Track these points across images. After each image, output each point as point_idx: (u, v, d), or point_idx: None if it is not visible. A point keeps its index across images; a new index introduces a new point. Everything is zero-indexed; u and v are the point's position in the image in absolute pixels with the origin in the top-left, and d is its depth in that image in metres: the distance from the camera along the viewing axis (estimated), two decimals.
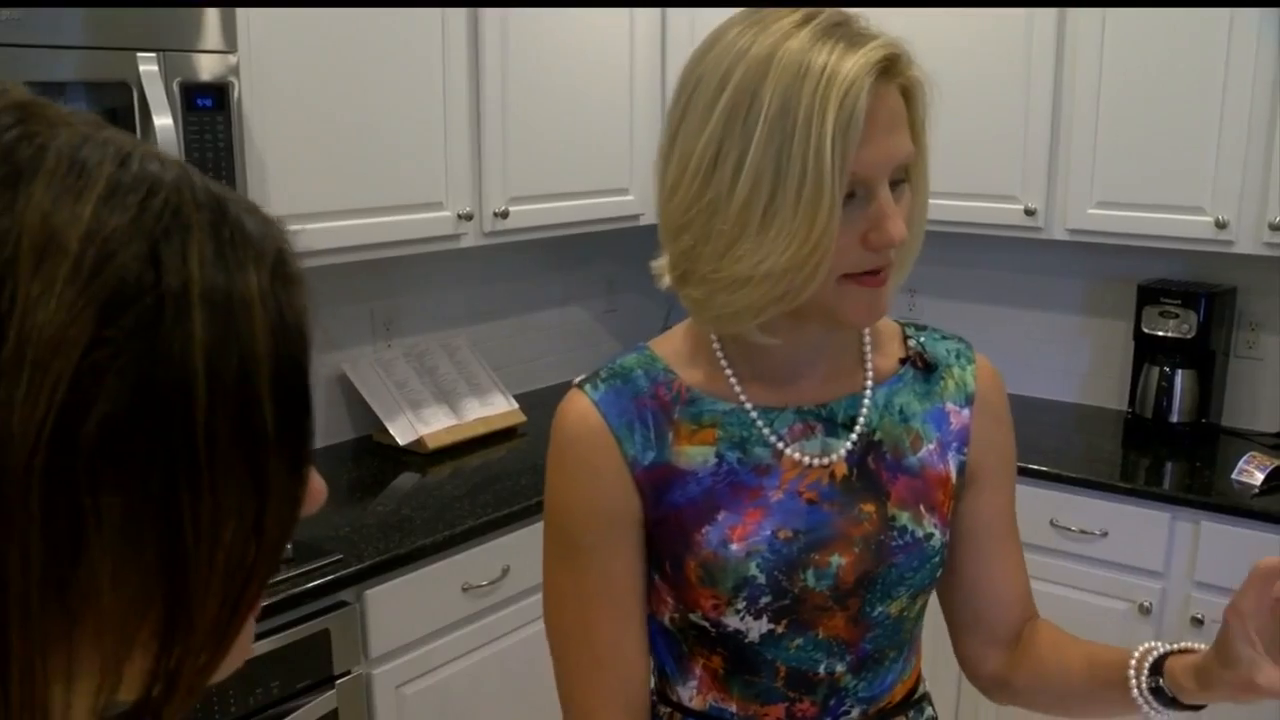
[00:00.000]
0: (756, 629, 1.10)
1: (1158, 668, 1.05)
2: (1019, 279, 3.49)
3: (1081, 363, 3.44)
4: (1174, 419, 3.06)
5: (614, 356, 1.16)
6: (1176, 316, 3.02)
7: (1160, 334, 3.05)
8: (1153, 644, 1.07)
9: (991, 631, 1.23)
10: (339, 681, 2.18)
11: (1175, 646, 1.06)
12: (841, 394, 1.15)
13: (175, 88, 2.08)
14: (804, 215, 0.95)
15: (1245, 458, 2.78)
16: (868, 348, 1.17)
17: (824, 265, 0.97)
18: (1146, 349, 3.12)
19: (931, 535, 1.13)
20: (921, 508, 1.13)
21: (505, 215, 2.82)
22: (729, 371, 1.13)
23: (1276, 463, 2.75)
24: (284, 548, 0.54)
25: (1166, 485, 2.84)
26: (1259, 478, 2.71)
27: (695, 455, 1.10)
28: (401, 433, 2.87)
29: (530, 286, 3.49)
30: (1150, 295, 3.07)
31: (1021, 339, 3.49)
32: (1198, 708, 1.06)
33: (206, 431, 0.48)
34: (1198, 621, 2.66)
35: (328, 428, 2.94)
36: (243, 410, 0.49)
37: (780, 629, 1.10)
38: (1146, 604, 2.73)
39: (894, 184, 1.01)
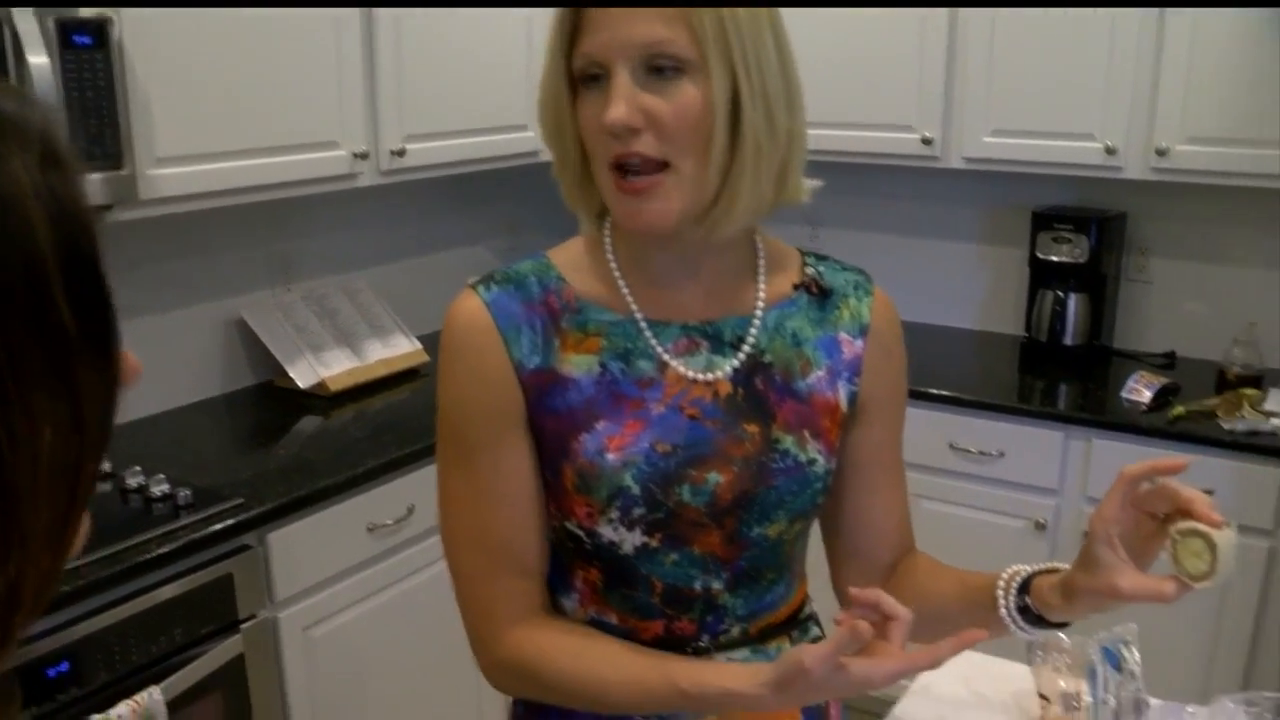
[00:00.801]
0: (630, 541, 1.10)
1: (1025, 587, 1.08)
2: (917, 209, 3.54)
3: (979, 289, 3.51)
4: (1068, 342, 3.15)
5: (511, 261, 1.17)
6: (1069, 242, 3.09)
7: (1054, 259, 3.12)
8: (1020, 566, 1.10)
9: (869, 562, 1.25)
10: (244, 626, 2.16)
11: (1041, 567, 1.09)
12: (730, 313, 1.15)
13: (51, 25, 2.00)
14: (543, 91, 1.08)
15: (1134, 377, 2.87)
16: (761, 269, 1.17)
17: (566, 139, 1.08)
18: (1041, 274, 3.19)
19: (815, 461, 1.14)
20: (806, 433, 1.14)
21: (402, 154, 2.78)
22: (622, 282, 1.13)
23: (1164, 381, 2.84)
24: (108, 437, 0.52)
25: (1061, 406, 2.93)
26: (1147, 395, 2.80)
27: (579, 364, 1.10)
28: (302, 376, 2.84)
29: (431, 226, 3.46)
30: (1044, 221, 3.14)
31: (921, 268, 3.55)
32: (1063, 625, 1.09)
33: (2, 341, 0.45)
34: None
35: (226, 374, 2.89)
36: (37, 312, 0.46)
37: (655, 543, 1.11)
38: (1042, 520, 2.81)
39: (660, 69, 1.00)
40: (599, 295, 1.13)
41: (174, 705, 1.98)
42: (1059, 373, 3.13)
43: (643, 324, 1.12)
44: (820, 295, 1.19)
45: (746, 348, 1.14)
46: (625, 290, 1.13)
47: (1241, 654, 2.69)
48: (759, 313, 1.15)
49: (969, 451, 2.90)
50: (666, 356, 1.12)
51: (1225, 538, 0.94)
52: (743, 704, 1.03)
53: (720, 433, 1.11)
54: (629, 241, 1.14)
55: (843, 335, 1.18)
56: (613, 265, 1.14)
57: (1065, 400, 2.98)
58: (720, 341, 1.14)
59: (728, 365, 1.13)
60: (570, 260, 1.16)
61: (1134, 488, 1.00)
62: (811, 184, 1.12)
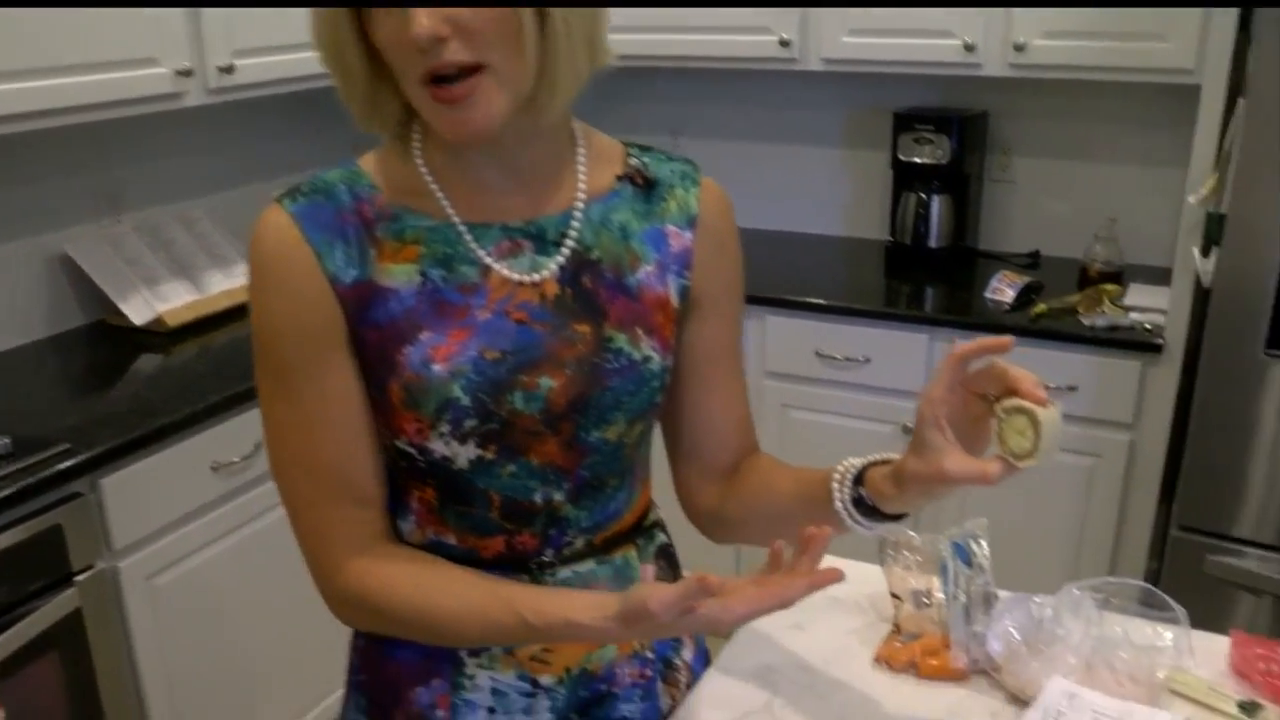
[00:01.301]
0: (464, 455, 1.07)
1: (860, 479, 1.06)
2: (779, 114, 3.52)
3: (843, 195, 3.51)
4: (932, 244, 3.17)
5: (318, 171, 1.10)
6: (931, 143, 3.10)
7: (916, 161, 3.13)
8: (854, 459, 1.08)
9: (708, 463, 1.23)
10: (78, 578, 2.06)
11: (876, 458, 1.07)
12: (552, 210, 1.11)
13: None
14: (317, 14, 1.01)
15: (997, 276, 2.91)
16: (581, 162, 1.13)
17: (350, 59, 1.00)
18: (904, 177, 3.20)
19: (650, 358, 1.12)
20: (639, 330, 1.11)
21: (231, 70, 2.64)
22: (434, 186, 1.08)
23: (1027, 280, 2.88)
24: None
25: (927, 309, 2.95)
26: (1010, 295, 2.83)
27: (399, 273, 1.06)
28: (137, 313, 2.71)
29: (272, 149, 3.32)
30: (905, 123, 3.13)
31: (785, 174, 3.54)
32: (900, 517, 1.07)
33: None
34: None
35: (52, 314, 2.74)
36: None
37: (490, 455, 1.08)
38: (909, 424, 2.83)
39: None
40: (414, 201, 1.08)
41: (5, 669, 1.89)
42: (924, 276, 3.16)
43: (461, 228, 1.08)
44: (645, 187, 1.16)
45: (569, 244, 1.10)
46: (440, 194, 1.08)
47: (1106, 546, 2.77)
48: (579, 207, 1.11)
49: (835, 358, 2.91)
50: (489, 260, 1.08)
51: (1049, 415, 0.92)
52: (588, 636, 1.01)
53: (550, 335, 1.08)
54: (441, 144, 1.09)
55: (670, 227, 1.15)
56: (424, 170, 1.09)
57: (931, 303, 3.01)
58: (543, 241, 1.10)
59: (553, 264, 1.09)
60: (381, 166, 1.11)
61: (963, 368, 0.98)
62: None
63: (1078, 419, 2.69)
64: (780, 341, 2.95)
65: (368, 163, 1.11)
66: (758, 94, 3.51)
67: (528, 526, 1.13)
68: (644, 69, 3.55)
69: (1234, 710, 1.22)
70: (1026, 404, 0.93)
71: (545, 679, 1.18)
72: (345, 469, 1.09)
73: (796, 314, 2.91)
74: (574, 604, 1.02)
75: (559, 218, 1.11)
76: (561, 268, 1.10)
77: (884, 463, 1.06)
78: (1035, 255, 3.25)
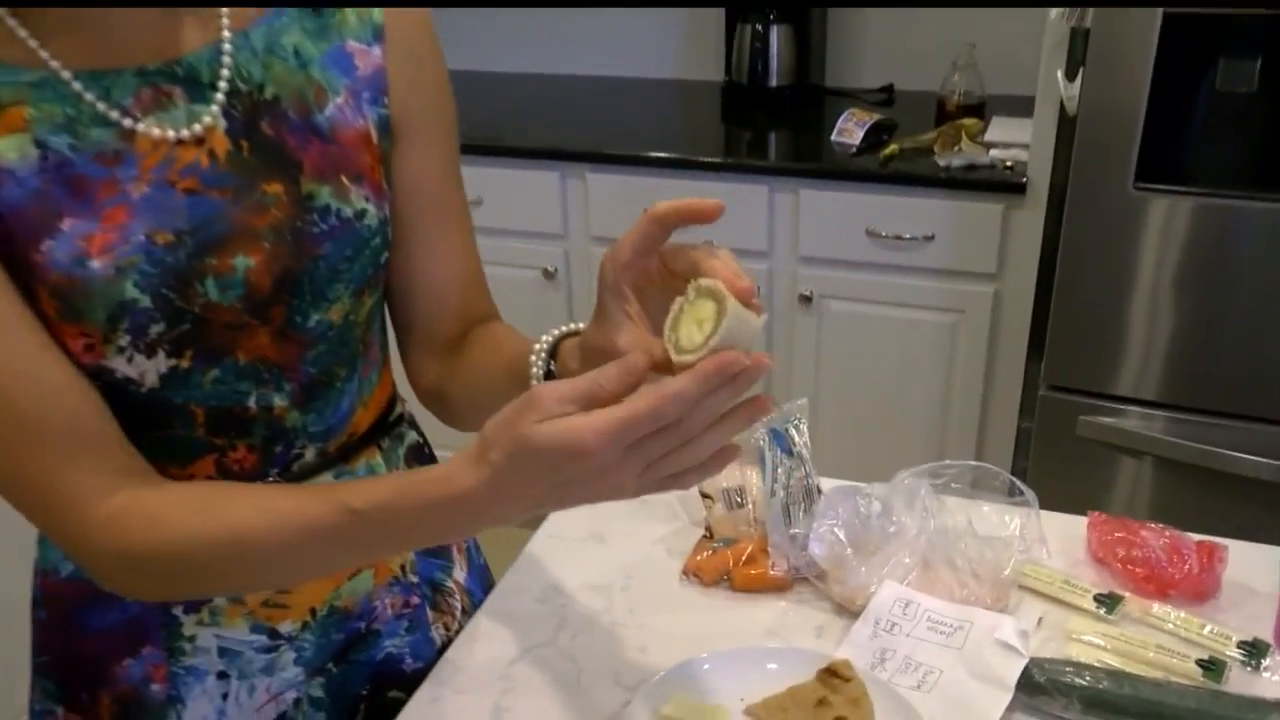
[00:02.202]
0: (153, 369, 0.90)
1: (555, 352, 0.91)
2: None
3: (672, 31, 3.32)
4: (773, 83, 3.01)
5: None
6: None
7: None
8: (560, 327, 0.92)
9: (429, 333, 1.08)
10: None
11: (575, 326, 0.91)
12: (198, 43, 0.91)
13: None
14: None
15: (844, 116, 2.76)
16: None
17: None
18: (739, 7, 3.01)
19: (365, 212, 0.96)
20: (344, 178, 0.95)
21: None
22: (15, 22, 0.85)
23: (876, 118, 2.74)
24: None
25: (770, 157, 2.81)
26: (859, 135, 2.70)
27: (6, 148, 0.84)
28: None
29: None
30: None
31: (607, 11, 3.31)
32: None
33: None
34: (806, 299, 2.68)
35: None
36: None
37: (185, 363, 0.91)
38: (756, 287, 2.71)
39: None
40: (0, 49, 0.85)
41: None
42: (765, 120, 3.01)
43: (74, 83, 0.86)
44: None
45: (227, 82, 0.91)
46: (25, 34, 0.85)
47: (974, 410, 2.71)
48: (227, 35, 0.92)
49: None
50: (126, 119, 0.87)
51: (742, 313, 0.73)
52: (452, 513, 0.79)
53: (233, 203, 0.90)
54: None
55: (352, 44, 0.98)
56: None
57: (773, 150, 2.86)
58: (197, 84, 0.90)
59: (213, 110, 0.90)
60: None
61: (659, 233, 0.81)
62: None
63: (936, 272, 2.59)
64: (605, 202, 2.78)
65: None
66: None
67: (243, 438, 0.98)
68: None
69: (1090, 605, 1.12)
70: (722, 288, 0.74)
71: (286, 626, 1.05)
72: (38, 400, 0.86)
73: (622, 169, 2.74)
74: (422, 473, 0.82)
75: (208, 51, 0.91)
76: (227, 114, 0.91)
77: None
78: (889, 90, 3.12)
